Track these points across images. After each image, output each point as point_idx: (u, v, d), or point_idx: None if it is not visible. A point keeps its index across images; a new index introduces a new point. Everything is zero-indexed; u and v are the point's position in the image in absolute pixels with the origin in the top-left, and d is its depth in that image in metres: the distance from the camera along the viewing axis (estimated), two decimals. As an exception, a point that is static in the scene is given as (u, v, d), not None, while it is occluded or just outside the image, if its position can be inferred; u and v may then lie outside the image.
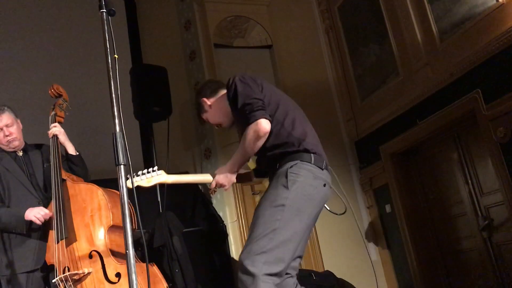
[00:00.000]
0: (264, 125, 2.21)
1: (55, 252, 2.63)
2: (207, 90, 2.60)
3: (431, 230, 5.03)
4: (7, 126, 2.91)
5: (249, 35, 5.74)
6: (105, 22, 1.71)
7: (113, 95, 1.68)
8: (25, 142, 3.07)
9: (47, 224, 2.75)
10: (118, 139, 1.66)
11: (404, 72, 4.98)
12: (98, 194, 2.74)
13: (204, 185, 5.25)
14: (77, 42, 5.45)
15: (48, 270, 2.76)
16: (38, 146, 3.11)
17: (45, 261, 2.74)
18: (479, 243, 4.51)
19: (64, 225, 2.66)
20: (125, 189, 1.67)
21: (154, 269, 2.67)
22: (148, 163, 5.10)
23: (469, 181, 4.55)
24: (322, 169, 2.27)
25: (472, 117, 4.22)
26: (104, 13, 1.72)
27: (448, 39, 4.42)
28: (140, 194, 1.96)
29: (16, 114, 3.04)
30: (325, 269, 4.75)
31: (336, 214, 2.53)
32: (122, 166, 1.66)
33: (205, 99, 2.58)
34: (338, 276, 4.45)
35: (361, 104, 5.65)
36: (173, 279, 3.96)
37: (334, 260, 5.00)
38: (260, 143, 2.27)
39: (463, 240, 4.72)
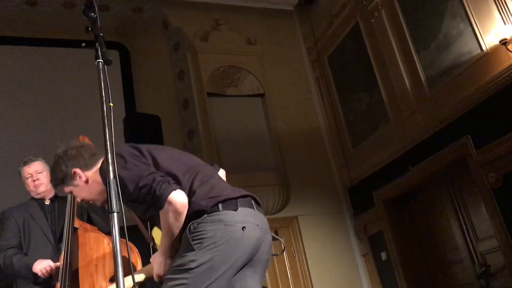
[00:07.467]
0: (177, 199, 1.83)
1: None
2: (81, 160, 2.05)
3: (427, 278, 4.95)
4: (36, 172, 3.04)
5: (241, 84, 5.84)
6: (101, 71, 1.73)
7: (108, 142, 1.68)
8: (55, 193, 3.14)
9: (55, 275, 2.78)
10: (112, 186, 1.64)
11: (395, 119, 5.05)
12: (104, 243, 2.73)
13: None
14: (69, 93, 5.54)
15: None
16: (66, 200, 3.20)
17: None
18: (477, 291, 4.43)
19: (68, 274, 2.69)
20: (117, 238, 1.65)
21: None
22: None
23: (464, 227, 4.52)
24: (236, 210, 1.89)
25: (463, 163, 4.25)
26: (101, 63, 1.74)
27: (437, 86, 4.52)
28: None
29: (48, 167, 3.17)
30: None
31: (276, 255, 2.40)
32: (115, 214, 1.64)
33: (78, 171, 2.03)
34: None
35: (353, 150, 5.68)
36: None
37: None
38: (183, 217, 1.88)
39: None
